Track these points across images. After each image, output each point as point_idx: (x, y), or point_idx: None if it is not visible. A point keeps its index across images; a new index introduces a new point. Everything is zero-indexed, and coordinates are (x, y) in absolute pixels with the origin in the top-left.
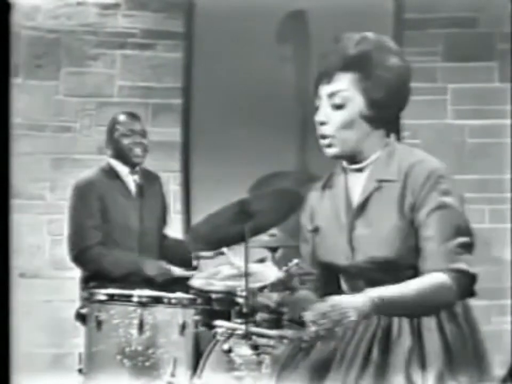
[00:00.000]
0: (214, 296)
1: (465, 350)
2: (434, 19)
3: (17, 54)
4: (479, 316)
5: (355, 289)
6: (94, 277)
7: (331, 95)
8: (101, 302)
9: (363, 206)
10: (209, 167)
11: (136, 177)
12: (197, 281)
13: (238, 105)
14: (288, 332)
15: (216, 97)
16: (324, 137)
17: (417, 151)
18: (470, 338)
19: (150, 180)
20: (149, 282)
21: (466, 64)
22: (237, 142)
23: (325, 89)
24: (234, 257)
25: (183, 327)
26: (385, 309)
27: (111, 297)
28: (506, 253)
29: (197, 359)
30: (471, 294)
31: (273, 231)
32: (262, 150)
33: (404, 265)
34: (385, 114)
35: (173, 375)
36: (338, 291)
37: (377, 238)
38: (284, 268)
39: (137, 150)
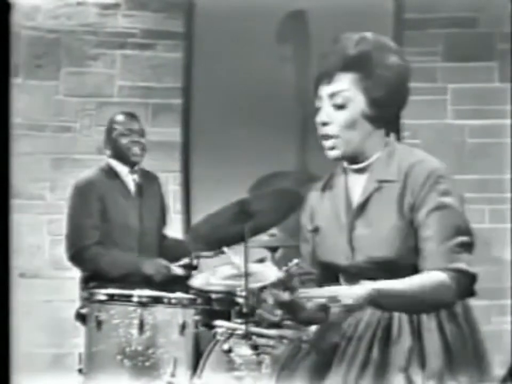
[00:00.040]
0: (214, 296)
1: (465, 350)
2: (434, 19)
3: (17, 54)
4: (479, 316)
5: None
6: (94, 277)
7: (332, 96)
8: (101, 302)
9: (363, 206)
10: (209, 167)
11: (135, 176)
12: (197, 281)
13: (238, 105)
14: (288, 332)
15: (216, 97)
16: (327, 137)
17: (417, 151)
18: (470, 338)
19: (149, 180)
20: (148, 282)
21: (466, 64)
22: (237, 142)
23: (325, 90)
24: (234, 257)
25: (183, 327)
26: (381, 301)
27: (111, 297)
28: (506, 253)
29: (197, 359)
30: (471, 294)
31: (273, 231)
32: (262, 150)
33: (403, 265)
34: (386, 113)
35: (173, 375)
36: None
37: (377, 238)
38: (284, 268)
39: (136, 149)
